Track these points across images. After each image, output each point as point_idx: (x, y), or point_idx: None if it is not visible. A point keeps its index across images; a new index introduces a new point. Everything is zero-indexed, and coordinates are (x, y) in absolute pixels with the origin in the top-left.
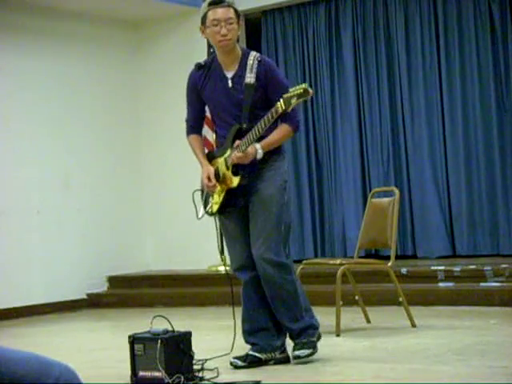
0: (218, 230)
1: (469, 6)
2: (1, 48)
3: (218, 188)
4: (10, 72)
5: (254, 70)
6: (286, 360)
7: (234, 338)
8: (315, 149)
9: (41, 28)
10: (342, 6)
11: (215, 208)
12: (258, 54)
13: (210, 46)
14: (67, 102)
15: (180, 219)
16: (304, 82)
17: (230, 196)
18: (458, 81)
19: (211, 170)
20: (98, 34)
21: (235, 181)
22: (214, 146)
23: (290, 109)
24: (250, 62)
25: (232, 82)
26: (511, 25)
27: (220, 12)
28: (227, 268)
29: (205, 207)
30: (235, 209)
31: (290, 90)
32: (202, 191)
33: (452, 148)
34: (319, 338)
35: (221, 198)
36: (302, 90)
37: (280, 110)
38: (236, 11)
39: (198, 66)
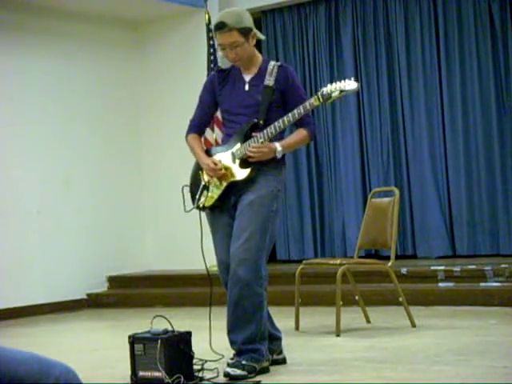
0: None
1: (469, 6)
2: (0, 48)
3: (217, 182)
4: (10, 72)
5: (274, 74)
6: (282, 361)
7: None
8: (315, 149)
9: (41, 28)
10: (342, 6)
11: (210, 202)
12: (279, 62)
13: (210, 46)
14: (67, 102)
15: (180, 219)
16: (304, 81)
17: (225, 193)
18: (458, 81)
19: (212, 158)
20: (98, 34)
21: (243, 173)
22: (214, 146)
23: (327, 103)
24: (270, 67)
25: (249, 85)
26: (511, 25)
27: (223, 38)
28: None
29: (193, 202)
30: (226, 207)
31: (332, 85)
32: (191, 187)
33: (452, 148)
34: (263, 370)
35: (219, 192)
36: (347, 85)
37: (316, 104)
38: (241, 31)
39: (219, 70)
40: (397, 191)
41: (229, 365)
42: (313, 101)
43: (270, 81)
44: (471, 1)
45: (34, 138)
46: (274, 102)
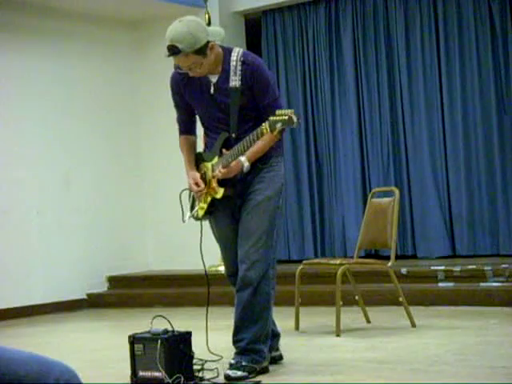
0: (201, 233)
1: (469, 6)
2: (0, 48)
3: (205, 194)
4: (10, 72)
5: (239, 72)
6: (279, 358)
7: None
8: (315, 149)
9: (41, 28)
10: (342, 6)
11: (201, 213)
12: (241, 53)
13: None
14: (67, 102)
15: (180, 219)
16: (304, 81)
17: (219, 201)
18: (458, 81)
19: (196, 175)
20: (98, 34)
21: (219, 192)
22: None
23: (275, 133)
24: (233, 63)
25: (214, 88)
26: (511, 25)
27: (178, 61)
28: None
29: (191, 209)
30: (230, 210)
31: (278, 112)
32: (190, 192)
33: (452, 148)
34: (263, 370)
35: (206, 205)
36: (286, 118)
37: (265, 132)
38: (198, 52)
39: (179, 70)
40: (397, 191)
41: (230, 366)
42: (262, 129)
43: (235, 81)
44: (471, 1)
45: (34, 138)
46: (246, 104)
